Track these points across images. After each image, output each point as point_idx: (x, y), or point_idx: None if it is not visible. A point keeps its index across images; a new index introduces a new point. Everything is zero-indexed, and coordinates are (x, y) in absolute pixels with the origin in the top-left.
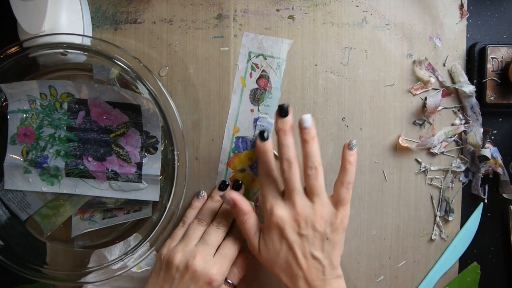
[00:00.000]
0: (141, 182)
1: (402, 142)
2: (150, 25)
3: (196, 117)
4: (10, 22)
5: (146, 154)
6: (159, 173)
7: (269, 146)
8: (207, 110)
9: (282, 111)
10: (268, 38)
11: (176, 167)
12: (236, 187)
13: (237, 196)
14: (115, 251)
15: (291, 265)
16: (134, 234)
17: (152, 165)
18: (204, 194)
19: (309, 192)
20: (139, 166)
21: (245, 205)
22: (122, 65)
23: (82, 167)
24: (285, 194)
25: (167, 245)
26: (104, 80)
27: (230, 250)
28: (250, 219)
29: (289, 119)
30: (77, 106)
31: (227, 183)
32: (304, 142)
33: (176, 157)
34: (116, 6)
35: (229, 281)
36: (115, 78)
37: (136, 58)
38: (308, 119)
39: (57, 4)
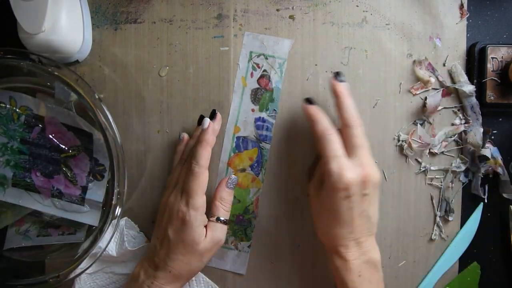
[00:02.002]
0: (83, 205)
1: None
2: (150, 25)
3: (196, 117)
4: (10, 22)
5: (92, 179)
6: (102, 200)
7: (318, 108)
8: (207, 110)
9: (339, 77)
10: (269, 38)
11: (113, 202)
12: (212, 115)
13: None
14: (105, 236)
15: (346, 223)
16: (125, 218)
17: (97, 191)
18: (183, 135)
19: (350, 147)
20: (84, 189)
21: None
22: (78, 94)
23: (29, 180)
24: (351, 152)
25: (165, 195)
26: (64, 100)
27: (189, 183)
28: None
29: (346, 84)
30: (34, 120)
31: (203, 116)
32: (339, 94)
33: (115, 191)
34: (116, 6)
35: (220, 218)
36: (73, 103)
37: (94, 91)
38: (341, 74)
39: (57, 4)
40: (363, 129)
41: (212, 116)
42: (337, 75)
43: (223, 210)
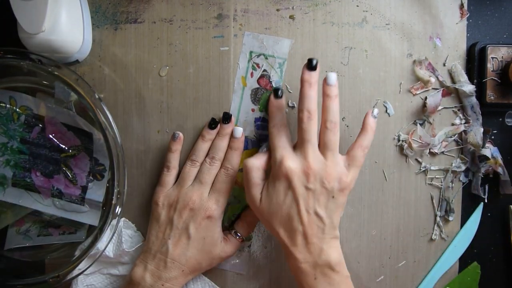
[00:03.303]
0: (83, 205)
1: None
2: (150, 25)
3: (196, 117)
4: (10, 22)
5: (92, 179)
6: (102, 200)
7: (283, 103)
8: (207, 110)
9: (311, 65)
10: (269, 38)
11: (113, 202)
12: (226, 118)
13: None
14: (104, 238)
15: (292, 218)
16: (122, 218)
17: (97, 191)
18: (179, 135)
19: (323, 147)
20: (84, 189)
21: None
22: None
23: (29, 180)
24: (298, 145)
25: (160, 191)
26: (64, 100)
27: (223, 183)
28: (258, 172)
29: (316, 73)
30: (34, 120)
31: (216, 120)
32: (327, 96)
33: (115, 190)
34: (116, 6)
35: (238, 234)
36: (73, 103)
37: (94, 91)
38: (334, 77)
39: (57, 4)
40: (332, 130)
41: (227, 119)
42: (310, 64)
43: (246, 229)
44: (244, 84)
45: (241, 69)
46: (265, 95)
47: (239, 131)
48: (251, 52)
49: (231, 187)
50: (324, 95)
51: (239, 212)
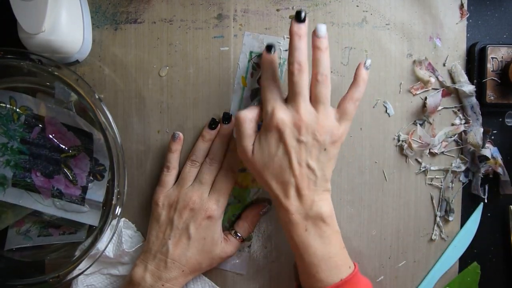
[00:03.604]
0: (83, 205)
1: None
2: (150, 25)
3: (196, 117)
4: (10, 22)
5: (92, 179)
6: (102, 200)
7: (275, 58)
8: (207, 110)
9: (299, 16)
10: (269, 38)
11: (113, 202)
12: (226, 119)
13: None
14: (104, 238)
15: (284, 170)
16: (122, 219)
17: (97, 191)
18: (179, 135)
19: (314, 99)
20: (84, 189)
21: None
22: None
23: (29, 180)
24: (289, 98)
25: (160, 191)
26: (64, 100)
27: (224, 184)
28: (250, 123)
29: (305, 26)
30: (34, 120)
31: (216, 120)
32: (317, 49)
33: (115, 191)
34: (116, 6)
35: (239, 234)
36: (73, 103)
37: (94, 91)
38: (323, 28)
39: (57, 4)
40: (323, 82)
41: (227, 119)
42: (297, 16)
43: (246, 229)
44: (244, 84)
45: (241, 69)
46: None
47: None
48: (251, 52)
49: (231, 187)
50: (314, 47)
51: (239, 212)
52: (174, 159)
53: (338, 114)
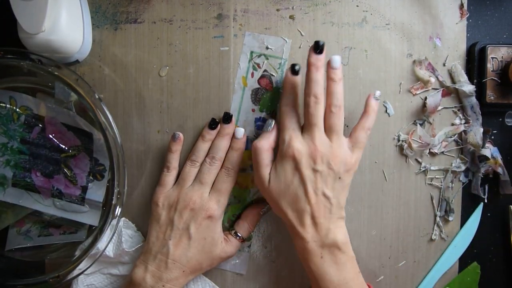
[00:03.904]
0: (83, 205)
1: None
2: (150, 25)
3: (196, 117)
4: (10, 22)
5: (92, 179)
6: (102, 200)
7: (299, 81)
8: (207, 110)
9: (318, 47)
10: (270, 38)
11: (113, 202)
12: (226, 119)
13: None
14: (104, 238)
15: (300, 199)
16: (122, 218)
17: (97, 191)
18: (179, 135)
19: (328, 130)
20: (84, 189)
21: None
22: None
23: (29, 180)
24: (305, 129)
25: (160, 192)
26: (64, 100)
27: (224, 183)
28: (267, 153)
29: (323, 57)
30: (34, 120)
31: (216, 120)
32: (331, 80)
33: (115, 190)
34: (116, 6)
35: (239, 234)
36: (73, 103)
37: (94, 91)
38: (338, 60)
39: (57, 4)
40: (337, 114)
41: (227, 120)
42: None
43: (246, 229)
44: (245, 84)
45: (242, 69)
46: (266, 95)
47: (241, 132)
48: (251, 52)
49: (231, 187)
50: (329, 79)
51: (239, 212)
52: (174, 159)
53: (350, 143)
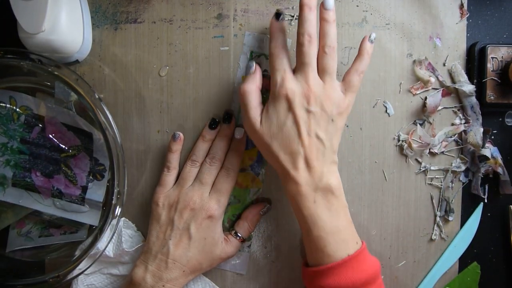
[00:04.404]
0: (83, 205)
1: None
2: (150, 25)
3: (196, 117)
4: (10, 22)
5: (92, 179)
6: (102, 200)
7: (284, 26)
8: (207, 110)
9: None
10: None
11: (113, 202)
12: (227, 118)
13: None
14: (104, 238)
15: (293, 140)
16: (122, 218)
17: (97, 191)
18: (180, 135)
19: (321, 71)
20: (84, 189)
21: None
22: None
23: (29, 180)
24: (298, 68)
25: (160, 191)
26: (64, 100)
27: (224, 184)
28: (255, 94)
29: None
30: (34, 120)
31: (216, 120)
32: (325, 21)
33: (115, 190)
34: (116, 6)
35: (239, 234)
36: (73, 103)
37: (94, 91)
38: (331, 1)
39: (57, 4)
40: (330, 54)
41: (228, 119)
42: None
43: (246, 229)
44: None
45: (242, 69)
46: (266, 95)
47: (241, 132)
48: (251, 52)
49: (231, 187)
50: (322, 19)
51: (239, 212)
52: (174, 159)
53: (343, 86)
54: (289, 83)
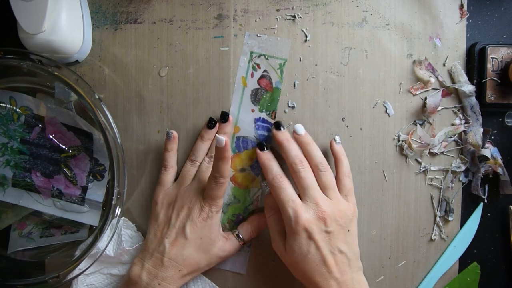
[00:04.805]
0: (83, 205)
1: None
2: (150, 25)
3: (196, 117)
4: (10, 22)
5: (92, 179)
6: (102, 200)
7: (271, 155)
8: (207, 110)
9: (279, 126)
10: (270, 38)
11: (113, 202)
12: (224, 117)
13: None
14: (104, 238)
15: (319, 265)
16: (122, 218)
17: (97, 191)
18: (173, 133)
19: (324, 188)
20: (84, 189)
21: (271, 201)
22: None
23: (29, 180)
24: (303, 194)
25: (159, 190)
26: (64, 100)
27: (213, 191)
28: (274, 215)
29: (286, 130)
30: (34, 120)
31: (214, 119)
32: (305, 144)
33: (115, 191)
34: (116, 6)
35: (240, 235)
36: (73, 103)
37: (94, 91)
38: (301, 126)
39: (57, 4)
40: (326, 170)
41: (224, 119)
42: (277, 126)
43: (248, 233)
44: (245, 84)
45: (242, 69)
46: (266, 95)
47: (222, 141)
48: (251, 53)
49: (223, 193)
50: (302, 144)
51: (239, 212)
52: (171, 158)
53: (342, 194)
54: (303, 214)
